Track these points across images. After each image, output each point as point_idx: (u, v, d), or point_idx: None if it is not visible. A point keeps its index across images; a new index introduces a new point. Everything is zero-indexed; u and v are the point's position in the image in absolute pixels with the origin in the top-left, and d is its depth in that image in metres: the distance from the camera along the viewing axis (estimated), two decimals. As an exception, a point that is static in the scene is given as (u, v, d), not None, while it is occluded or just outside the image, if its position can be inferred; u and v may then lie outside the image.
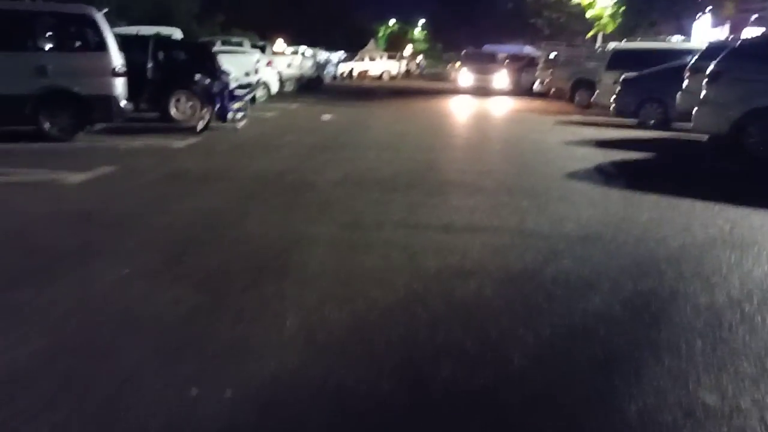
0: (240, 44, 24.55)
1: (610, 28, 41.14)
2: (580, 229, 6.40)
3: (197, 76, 13.71)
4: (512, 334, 3.96)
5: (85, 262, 5.13)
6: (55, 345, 3.70)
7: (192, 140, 12.12)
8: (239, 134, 13.46)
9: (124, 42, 14.64)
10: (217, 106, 13.36)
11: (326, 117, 17.94)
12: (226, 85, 13.65)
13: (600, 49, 29.41)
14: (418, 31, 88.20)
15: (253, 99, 14.95)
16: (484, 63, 32.19)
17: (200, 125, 13.15)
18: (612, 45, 23.09)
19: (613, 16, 38.73)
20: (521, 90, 32.16)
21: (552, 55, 29.49)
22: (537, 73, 30.27)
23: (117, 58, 11.29)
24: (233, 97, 13.90)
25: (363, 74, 52.15)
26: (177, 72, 14.61)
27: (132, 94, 12.97)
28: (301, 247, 5.61)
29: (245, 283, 4.71)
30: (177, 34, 18.24)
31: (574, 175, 9.51)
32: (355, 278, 4.87)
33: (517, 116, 20.01)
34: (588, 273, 5.07)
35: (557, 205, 7.48)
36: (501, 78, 31.32)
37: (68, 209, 6.85)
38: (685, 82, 15.55)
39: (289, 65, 26.32)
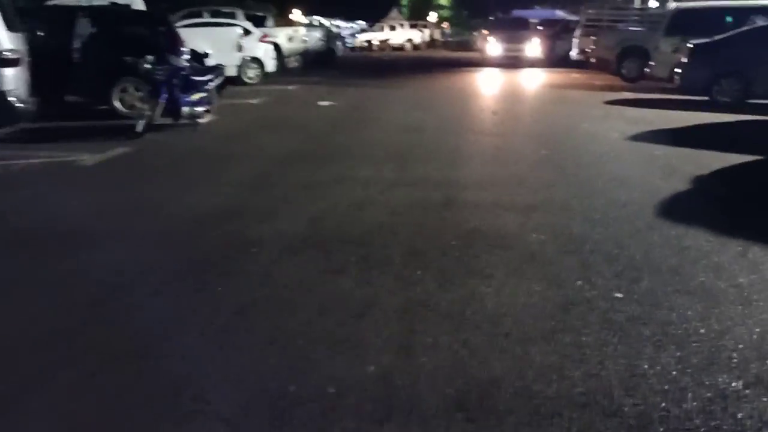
0: (232, 15, 20.99)
1: (652, -13, 37.45)
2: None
3: (148, 59, 10.23)
4: None
5: None
6: None
7: (116, 151, 8.74)
8: (195, 136, 10.08)
9: (52, 16, 11.46)
10: (163, 97, 9.95)
11: (325, 103, 14.48)
12: (177, 69, 10.21)
13: (656, 9, 25.61)
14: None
15: (223, 85, 11.47)
16: (513, 30, 28.36)
17: (140, 125, 9.78)
18: (672, 4, 19.28)
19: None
20: (556, 59, 28.34)
21: (590, 19, 25.49)
22: (575, 40, 26.40)
23: (5, 40, 7.92)
24: (190, 86, 10.49)
25: (383, 45, 48.57)
26: (123, 53, 11.15)
27: (56, 83, 9.82)
28: None
29: None
30: (138, 3, 14.72)
31: (672, 209, 6.03)
32: None
33: (557, 95, 16.36)
34: None
35: (678, 301, 4.01)
36: (533, 47, 27.57)
37: None
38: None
39: (290, 39, 22.75)
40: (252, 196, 6.56)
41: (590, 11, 25.99)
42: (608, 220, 5.69)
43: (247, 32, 18.52)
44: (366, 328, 3.65)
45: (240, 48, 15.89)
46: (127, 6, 13.98)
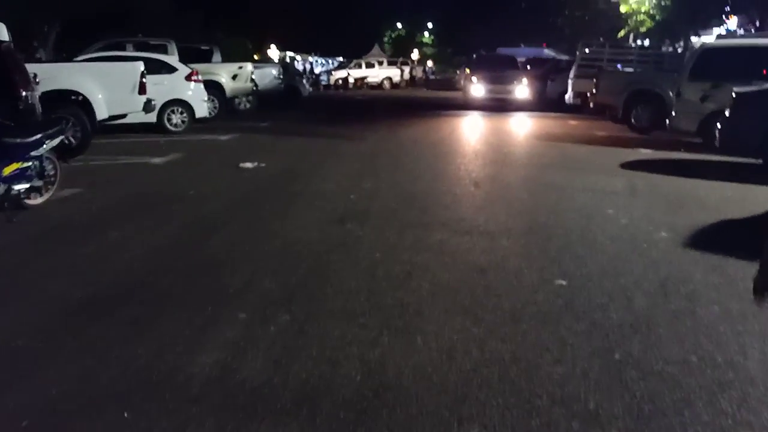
0: (163, 48, 17.30)
1: (647, 25, 34.70)
2: None
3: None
4: None
5: None
6: None
7: None
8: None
9: None
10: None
11: (248, 165, 10.68)
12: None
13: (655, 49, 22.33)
14: (426, 35, 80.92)
15: (64, 147, 7.67)
16: (499, 70, 25.06)
17: None
18: (698, 41, 15.83)
19: (659, 8, 31.89)
20: (546, 103, 24.83)
21: (586, 58, 22.01)
22: (570, 82, 22.94)
23: None
24: (3, 153, 6.72)
25: (360, 83, 45.22)
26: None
27: None
28: None
29: None
30: (2, 33, 10.76)
31: None
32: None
33: (557, 153, 12.71)
34: None
35: None
36: (521, 88, 24.23)
37: None
38: None
39: (235, 76, 19.15)
40: None
41: (587, 50, 22.55)
42: None
43: (170, 69, 14.81)
44: None
45: (141, 89, 11.98)
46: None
